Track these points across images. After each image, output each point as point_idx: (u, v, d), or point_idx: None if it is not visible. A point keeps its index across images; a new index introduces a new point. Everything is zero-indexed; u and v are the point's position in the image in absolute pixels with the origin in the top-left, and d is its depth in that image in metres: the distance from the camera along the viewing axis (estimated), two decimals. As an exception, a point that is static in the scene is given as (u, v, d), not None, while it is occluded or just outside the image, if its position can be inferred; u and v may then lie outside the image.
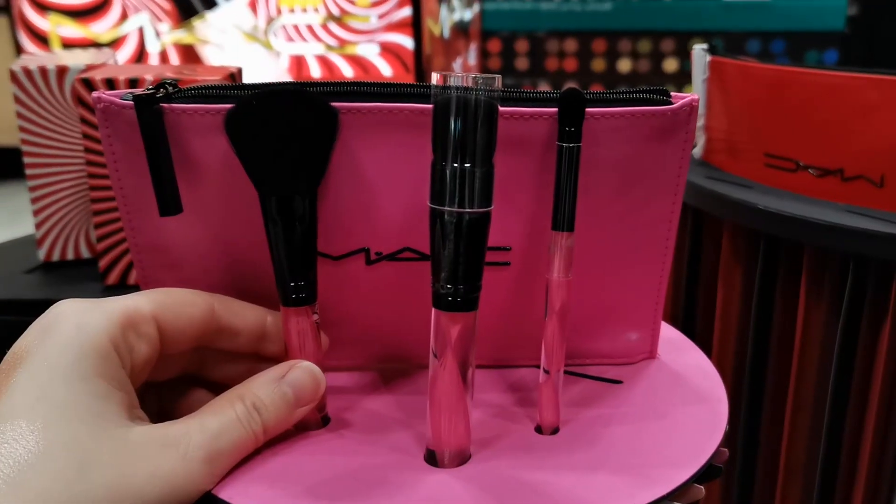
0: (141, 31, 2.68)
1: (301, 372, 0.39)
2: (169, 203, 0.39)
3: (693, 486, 0.39)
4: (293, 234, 0.39)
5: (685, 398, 0.44)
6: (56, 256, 0.74)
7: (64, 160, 0.71)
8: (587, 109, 0.39)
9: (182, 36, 2.69)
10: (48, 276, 0.73)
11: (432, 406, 0.38)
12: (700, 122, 0.79)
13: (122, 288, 0.69)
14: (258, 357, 0.41)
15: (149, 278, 0.44)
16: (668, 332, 0.51)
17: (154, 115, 0.38)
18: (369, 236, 0.42)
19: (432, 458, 0.38)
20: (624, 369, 0.47)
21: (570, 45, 2.92)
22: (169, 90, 0.39)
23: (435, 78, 0.36)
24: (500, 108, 0.39)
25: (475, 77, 0.35)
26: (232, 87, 0.39)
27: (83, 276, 0.72)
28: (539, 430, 0.41)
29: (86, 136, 0.66)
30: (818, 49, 2.73)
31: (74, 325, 0.34)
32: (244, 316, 0.40)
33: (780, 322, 0.70)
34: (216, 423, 0.35)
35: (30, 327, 0.35)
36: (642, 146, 0.41)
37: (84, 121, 0.66)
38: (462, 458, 0.38)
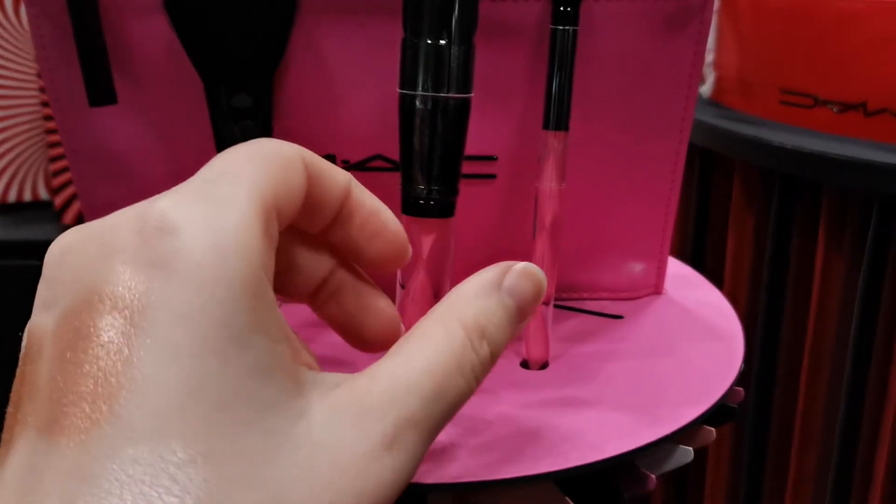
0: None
1: (522, 276, 0.27)
2: (100, 90, 0.34)
3: (703, 427, 0.34)
4: (245, 132, 0.34)
5: (695, 334, 0.39)
6: (12, 198, 0.68)
7: (19, 91, 0.66)
8: (586, -10, 0.34)
9: None
10: (3, 217, 0.68)
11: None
12: (709, 58, 0.73)
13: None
14: (335, 260, 0.29)
15: (90, 192, 0.39)
16: (677, 268, 0.46)
17: (82, -12, 0.33)
18: (335, 141, 0.37)
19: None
20: (626, 304, 0.42)
21: None
22: (99, -41, 0.33)
23: None
24: (485, -12, 0.34)
25: None
26: (173, -42, 0.34)
27: (41, 216, 0.67)
28: (525, 364, 0.36)
29: (40, 62, 0.61)
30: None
31: (211, 249, 0.21)
32: (333, 179, 0.26)
33: (797, 269, 0.65)
34: (431, 377, 0.23)
35: (118, 245, 0.21)
36: (649, 38, 0.35)
37: (38, 44, 0.60)
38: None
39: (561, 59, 0.33)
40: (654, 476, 0.32)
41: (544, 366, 0.36)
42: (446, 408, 0.23)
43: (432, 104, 0.30)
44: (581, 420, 0.32)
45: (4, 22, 0.65)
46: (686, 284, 0.44)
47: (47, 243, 0.65)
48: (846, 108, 0.62)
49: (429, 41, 0.30)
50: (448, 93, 0.30)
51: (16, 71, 0.65)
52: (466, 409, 0.32)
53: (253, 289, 0.21)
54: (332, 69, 0.35)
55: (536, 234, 0.35)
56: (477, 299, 0.25)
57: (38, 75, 0.61)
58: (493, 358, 0.25)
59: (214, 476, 0.19)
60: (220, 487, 0.19)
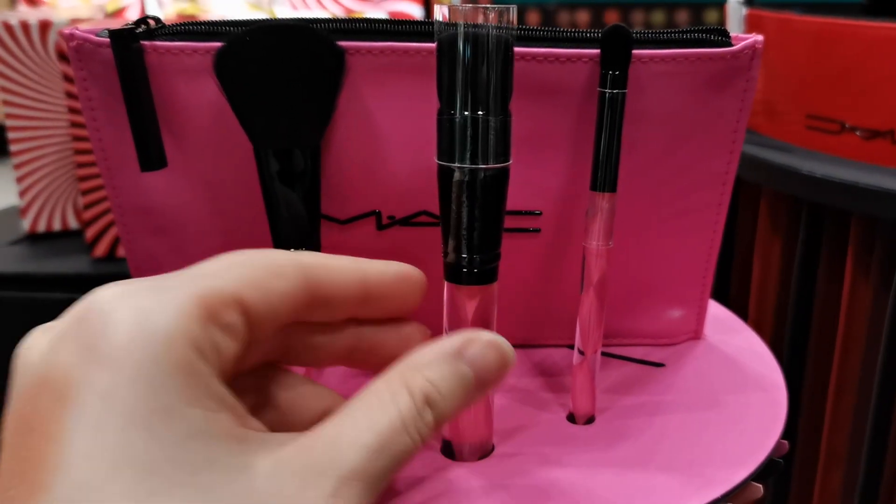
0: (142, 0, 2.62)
1: (484, 347, 0.28)
2: (151, 156, 0.34)
3: (751, 484, 0.34)
4: (293, 193, 0.34)
5: (738, 384, 0.39)
6: (42, 227, 0.69)
7: (48, 122, 0.66)
8: (634, 51, 0.34)
9: (185, 6, 2.63)
10: (33, 247, 0.68)
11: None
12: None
13: (112, 261, 0.63)
14: (356, 324, 0.31)
15: (135, 245, 0.39)
16: (714, 310, 0.46)
17: (134, 54, 0.33)
18: (381, 198, 0.37)
19: (449, 451, 0.34)
20: (666, 351, 0.42)
21: (582, 16, 2.84)
22: (151, 25, 0.34)
23: (439, 12, 0.30)
24: (532, 50, 0.34)
25: (486, 8, 0.29)
26: (223, 23, 0.34)
27: (71, 247, 0.67)
28: (572, 418, 0.37)
29: (69, 95, 0.61)
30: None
31: (136, 332, 0.23)
32: (342, 276, 0.29)
33: (824, 297, 0.65)
34: (373, 435, 0.24)
35: (55, 334, 0.23)
36: (696, 95, 0.35)
37: (68, 78, 0.60)
38: (483, 451, 0.34)
39: (609, 123, 0.33)
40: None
41: (590, 420, 0.36)
42: (390, 461, 0.25)
43: (470, 175, 0.30)
44: (631, 482, 0.32)
45: (31, 52, 0.65)
46: (725, 328, 0.45)
47: (78, 277, 0.66)
48: (874, 135, 0.62)
49: (465, 113, 0.30)
50: (487, 164, 0.30)
51: (44, 102, 0.65)
52: (511, 465, 0.33)
53: (182, 368, 0.23)
54: (378, 128, 0.35)
55: (583, 291, 0.35)
56: (430, 367, 0.27)
57: (70, 109, 0.61)
58: (439, 424, 0.26)
59: None
60: None
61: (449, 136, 0.30)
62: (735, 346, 0.43)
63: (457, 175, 0.30)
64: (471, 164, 0.30)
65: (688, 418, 0.36)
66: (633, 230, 0.38)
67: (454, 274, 0.31)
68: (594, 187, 0.34)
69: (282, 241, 0.35)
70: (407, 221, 0.38)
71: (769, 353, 0.42)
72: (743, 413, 0.37)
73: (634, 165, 0.36)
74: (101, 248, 0.63)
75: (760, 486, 0.35)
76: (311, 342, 0.30)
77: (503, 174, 0.31)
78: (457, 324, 0.32)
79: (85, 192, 0.62)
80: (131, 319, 0.23)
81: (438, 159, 0.31)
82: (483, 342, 0.28)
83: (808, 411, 0.67)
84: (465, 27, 0.29)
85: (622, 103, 0.33)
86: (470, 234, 0.31)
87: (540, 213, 0.38)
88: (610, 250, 0.35)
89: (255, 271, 0.26)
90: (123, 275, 0.42)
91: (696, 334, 0.43)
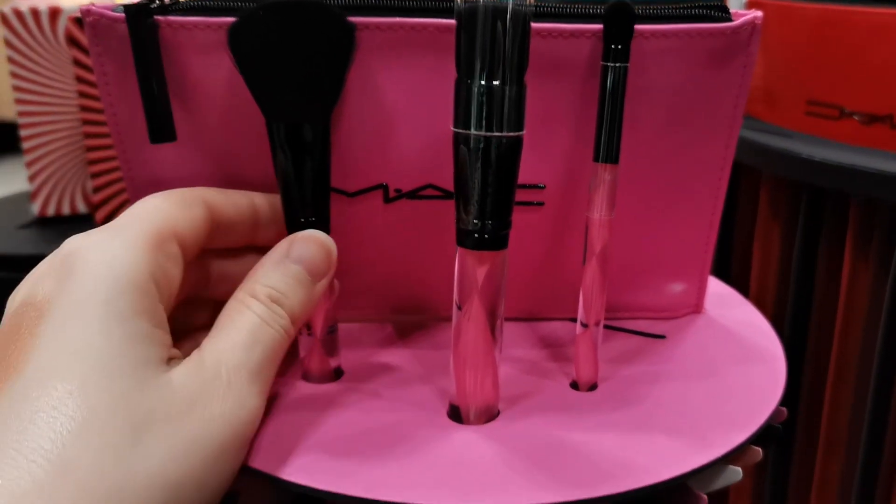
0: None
1: (305, 243, 0.34)
2: (161, 128, 0.35)
3: (751, 447, 0.35)
4: (303, 165, 0.35)
5: (737, 355, 0.40)
6: (51, 211, 0.70)
7: (58, 107, 0.67)
8: (636, 27, 0.35)
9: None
10: (43, 231, 0.69)
11: (456, 358, 0.34)
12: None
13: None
14: (256, 253, 0.37)
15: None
16: (715, 286, 0.47)
17: (148, 28, 0.34)
18: (388, 171, 0.38)
19: (456, 415, 0.35)
20: (667, 324, 0.43)
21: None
22: (165, 1, 0.34)
23: None
24: (536, 26, 0.35)
25: None
26: (235, -1, 0.35)
27: (79, 231, 0.68)
28: (575, 386, 0.37)
29: (79, 80, 0.62)
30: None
31: (102, 260, 0.29)
32: (235, 202, 0.35)
33: (823, 281, 0.65)
34: (242, 334, 0.31)
35: (39, 273, 0.30)
36: (697, 71, 0.36)
37: (77, 63, 0.61)
38: (489, 415, 0.35)
39: (612, 95, 0.34)
40: (705, 496, 0.33)
41: (593, 387, 0.37)
42: (263, 350, 0.31)
43: (485, 143, 0.31)
44: (634, 443, 0.33)
45: (41, 38, 0.66)
46: (725, 303, 0.46)
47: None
48: (872, 119, 0.62)
49: (482, 82, 0.31)
50: (501, 132, 0.31)
51: (54, 87, 0.66)
52: (517, 428, 0.33)
53: (135, 285, 0.29)
54: (387, 102, 0.36)
55: (586, 261, 0.36)
56: (265, 275, 0.33)
57: (79, 94, 0.62)
58: (294, 316, 0.33)
59: (86, 404, 0.26)
60: (90, 412, 0.26)
61: (466, 105, 0.31)
62: (735, 319, 0.44)
63: (472, 142, 0.31)
64: (486, 132, 0.31)
65: (689, 386, 0.37)
66: (636, 206, 0.39)
67: (466, 239, 0.32)
68: (597, 159, 0.35)
69: (293, 211, 0.36)
70: (414, 194, 0.38)
71: (768, 326, 0.43)
72: (742, 381, 0.38)
73: (637, 141, 0.37)
74: (110, 231, 0.64)
75: (759, 449, 0.36)
76: (222, 270, 0.37)
77: (517, 143, 0.32)
78: (467, 290, 0.33)
79: (94, 176, 0.63)
80: (97, 252, 0.29)
81: (454, 127, 0.32)
82: (302, 239, 0.34)
83: (808, 396, 0.68)
84: (485, 1, 0.30)
85: (624, 76, 0.34)
86: (482, 201, 0.32)
87: (544, 187, 0.39)
88: (612, 221, 0.36)
89: (176, 208, 0.32)
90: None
91: (697, 308, 0.44)
